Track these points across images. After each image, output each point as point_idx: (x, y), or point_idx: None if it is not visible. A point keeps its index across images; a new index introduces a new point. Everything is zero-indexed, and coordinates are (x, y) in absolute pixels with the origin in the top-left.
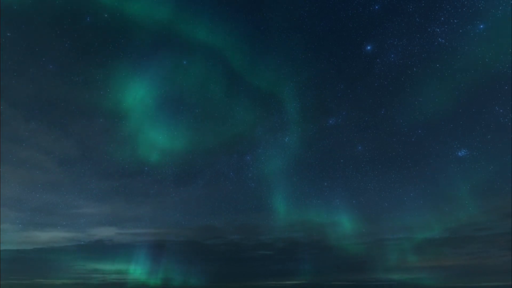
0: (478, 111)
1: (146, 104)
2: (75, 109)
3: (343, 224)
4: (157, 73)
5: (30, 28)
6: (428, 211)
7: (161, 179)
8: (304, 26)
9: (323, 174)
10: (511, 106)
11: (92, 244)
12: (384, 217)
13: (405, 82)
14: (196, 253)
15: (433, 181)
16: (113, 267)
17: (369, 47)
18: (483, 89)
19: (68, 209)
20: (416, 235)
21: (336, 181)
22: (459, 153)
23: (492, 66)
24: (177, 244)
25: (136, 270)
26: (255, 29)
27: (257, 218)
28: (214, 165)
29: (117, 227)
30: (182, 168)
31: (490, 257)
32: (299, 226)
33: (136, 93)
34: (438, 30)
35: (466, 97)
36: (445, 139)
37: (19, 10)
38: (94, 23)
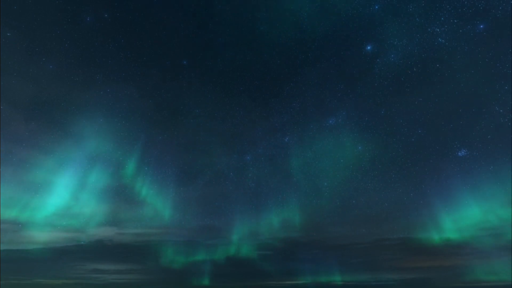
0: (478, 111)
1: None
2: (75, 109)
3: (343, 224)
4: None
5: (30, 28)
6: (428, 211)
7: (161, 179)
8: (304, 26)
9: (323, 174)
10: (511, 106)
11: (92, 244)
12: (384, 217)
13: (405, 82)
14: (196, 253)
15: (433, 181)
16: (113, 267)
17: (369, 47)
18: (483, 89)
19: (68, 209)
20: (416, 235)
21: (336, 181)
22: (459, 153)
23: (492, 66)
24: (177, 244)
25: (136, 270)
26: (254, 28)
27: (257, 218)
28: (214, 165)
29: (117, 227)
30: (182, 168)
31: (490, 257)
32: (299, 226)
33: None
34: (438, 30)
35: (466, 97)
36: (445, 139)
37: (19, 10)
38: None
